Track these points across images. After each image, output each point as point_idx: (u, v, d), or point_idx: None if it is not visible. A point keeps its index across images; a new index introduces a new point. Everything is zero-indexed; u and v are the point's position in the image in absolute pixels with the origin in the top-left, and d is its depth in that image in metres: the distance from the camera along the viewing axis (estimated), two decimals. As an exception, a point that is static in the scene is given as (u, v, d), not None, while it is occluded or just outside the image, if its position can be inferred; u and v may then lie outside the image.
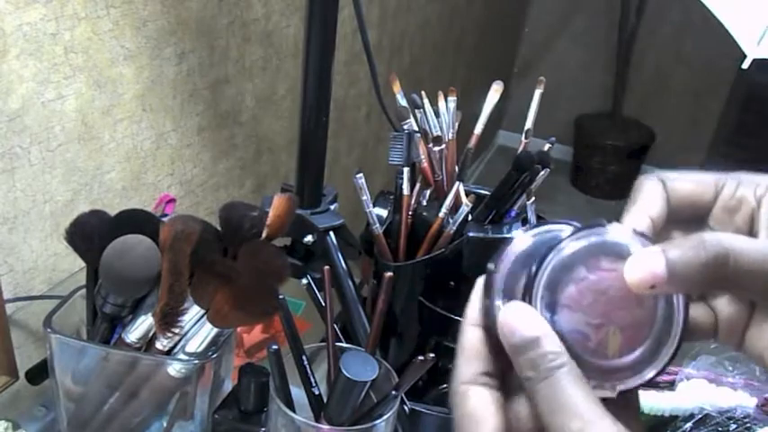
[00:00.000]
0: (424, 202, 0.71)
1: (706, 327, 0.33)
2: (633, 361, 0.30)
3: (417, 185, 0.70)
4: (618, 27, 2.97)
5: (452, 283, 0.68)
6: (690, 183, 0.33)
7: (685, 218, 0.33)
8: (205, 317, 0.55)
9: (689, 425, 0.71)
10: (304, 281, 0.73)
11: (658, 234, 0.32)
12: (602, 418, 0.27)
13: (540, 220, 0.31)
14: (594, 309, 0.29)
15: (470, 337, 0.31)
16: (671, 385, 0.75)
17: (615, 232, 0.30)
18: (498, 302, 0.30)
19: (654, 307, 0.30)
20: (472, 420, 0.30)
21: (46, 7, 0.73)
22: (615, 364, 0.29)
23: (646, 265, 0.28)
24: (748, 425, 0.70)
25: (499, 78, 0.73)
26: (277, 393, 0.54)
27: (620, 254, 0.29)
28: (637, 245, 0.29)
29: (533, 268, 0.30)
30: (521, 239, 0.31)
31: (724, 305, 0.32)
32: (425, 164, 0.69)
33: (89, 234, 0.56)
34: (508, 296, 0.30)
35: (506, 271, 0.31)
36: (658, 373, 0.30)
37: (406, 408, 0.65)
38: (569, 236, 0.30)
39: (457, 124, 0.71)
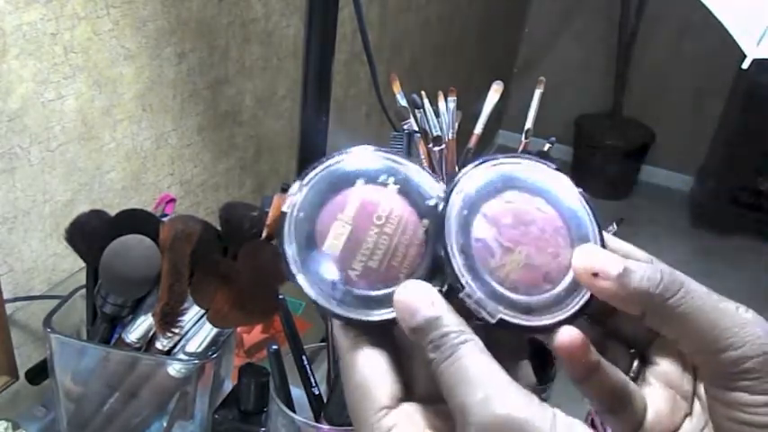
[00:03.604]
0: (424, 202, 0.71)
1: (636, 410, 0.31)
2: (525, 303, 0.29)
3: (417, 185, 0.70)
4: (618, 27, 2.97)
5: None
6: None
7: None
8: (205, 317, 0.55)
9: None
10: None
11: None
12: (508, 385, 0.26)
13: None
14: (509, 232, 0.29)
15: None
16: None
17: (564, 181, 0.31)
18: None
19: (566, 269, 0.30)
20: (365, 390, 0.29)
21: (46, 7, 0.73)
22: (507, 294, 0.29)
23: (603, 257, 0.28)
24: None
25: (499, 78, 0.73)
26: (277, 393, 0.54)
27: (555, 202, 0.30)
28: (591, 220, 0.30)
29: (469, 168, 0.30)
30: (476, 176, 0.30)
31: (658, 395, 0.31)
32: (425, 164, 0.69)
33: (89, 234, 0.56)
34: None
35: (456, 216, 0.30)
36: (541, 329, 0.29)
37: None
38: (518, 158, 0.30)
39: (457, 124, 0.71)
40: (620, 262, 0.28)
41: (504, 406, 0.25)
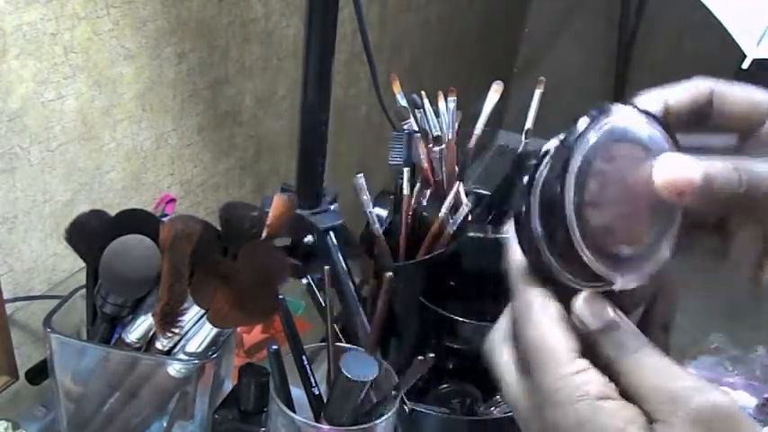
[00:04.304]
0: (424, 202, 0.71)
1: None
2: (645, 248, 0.29)
3: (417, 185, 0.70)
4: (618, 27, 2.97)
5: (452, 283, 0.68)
6: (742, 96, 0.32)
7: (728, 129, 0.32)
8: (205, 317, 0.55)
9: (689, 425, 0.71)
10: (304, 281, 0.73)
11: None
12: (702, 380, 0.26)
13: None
14: (615, 200, 0.28)
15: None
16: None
17: (621, 115, 0.29)
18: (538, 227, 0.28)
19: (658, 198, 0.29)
20: (552, 339, 0.28)
21: (46, 7, 0.73)
22: (634, 252, 0.29)
23: (680, 170, 0.27)
24: (748, 425, 0.70)
25: (499, 78, 0.73)
26: (277, 393, 0.54)
27: (630, 139, 0.29)
28: (654, 131, 0.29)
29: (555, 176, 0.28)
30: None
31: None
32: (425, 164, 0.69)
33: (89, 234, 0.56)
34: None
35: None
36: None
37: (406, 408, 0.65)
38: (580, 133, 0.28)
39: (457, 124, 0.71)
40: (697, 170, 0.27)
41: (718, 395, 0.25)
